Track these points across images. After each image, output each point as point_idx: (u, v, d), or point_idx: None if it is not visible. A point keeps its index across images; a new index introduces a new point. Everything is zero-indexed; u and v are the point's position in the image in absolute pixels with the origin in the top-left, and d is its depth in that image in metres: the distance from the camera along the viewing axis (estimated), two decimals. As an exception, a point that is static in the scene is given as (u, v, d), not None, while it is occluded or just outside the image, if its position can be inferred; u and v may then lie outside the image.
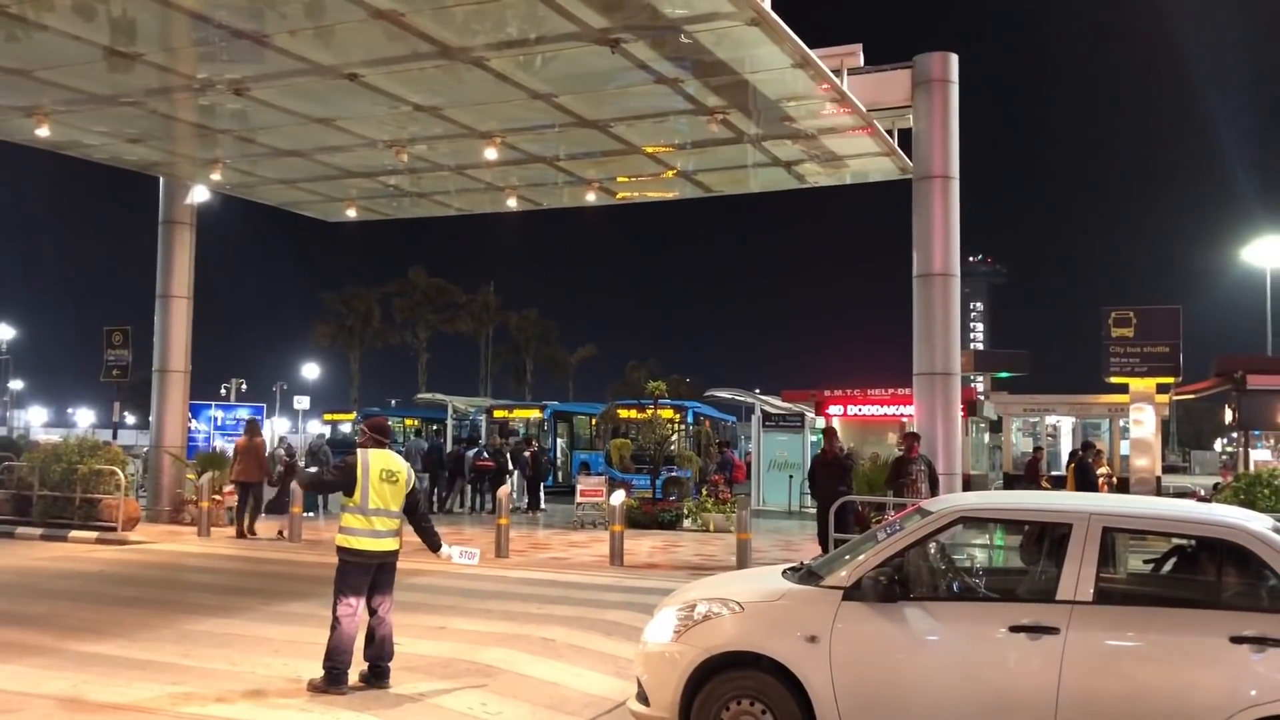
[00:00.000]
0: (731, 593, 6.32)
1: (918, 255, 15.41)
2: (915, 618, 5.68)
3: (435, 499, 23.89)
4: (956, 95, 15.45)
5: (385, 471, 7.44)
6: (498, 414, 37.44)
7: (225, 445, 22.50)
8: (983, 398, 28.63)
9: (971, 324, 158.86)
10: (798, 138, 16.05)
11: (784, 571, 6.55)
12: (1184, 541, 6.05)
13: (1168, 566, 6.29)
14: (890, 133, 16.16)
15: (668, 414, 30.96)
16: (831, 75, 13.69)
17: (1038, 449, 23.37)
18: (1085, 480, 18.92)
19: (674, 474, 24.09)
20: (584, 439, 36.41)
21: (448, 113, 15.16)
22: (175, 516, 18.99)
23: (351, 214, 21.86)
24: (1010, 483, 22.67)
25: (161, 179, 20.04)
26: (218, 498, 18.09)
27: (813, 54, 12.89)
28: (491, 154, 16.51)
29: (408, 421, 44.16)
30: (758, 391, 29.53)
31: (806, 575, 6.26)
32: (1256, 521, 5.74)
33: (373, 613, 7.44)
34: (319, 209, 22.06)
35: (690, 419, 32.47)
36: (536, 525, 20.83)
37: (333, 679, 7.22)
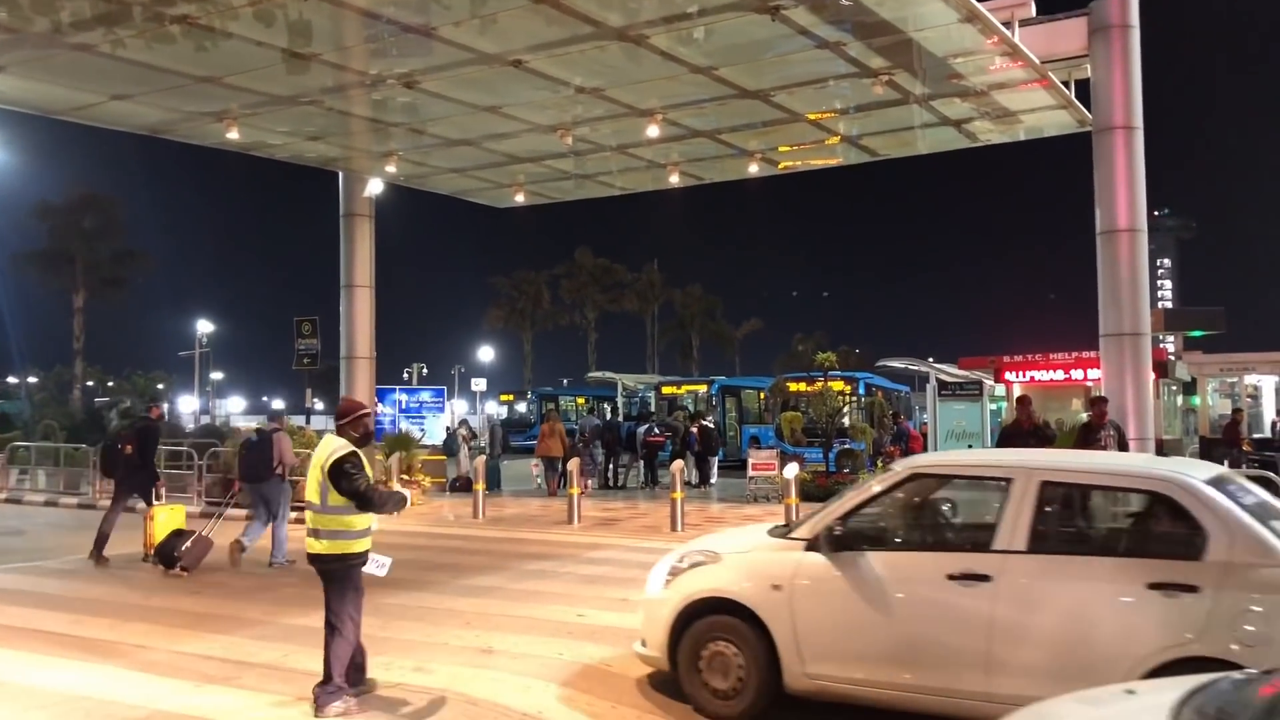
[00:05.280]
0: (716, 545, 7.08)
1: (1100, 211, 14.74)
2: (865, 566, 6.11)
3: (611, 474, 24.41)
4: (1138, 40, 14.67)
5: None
6: (666, 390, 37.75)
7: (410, 428, 23.42)
8: (1174, 358, 27.14)
9: (1159, 281, 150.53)
10: (967, 95, 15.53)
11: (771, 528, 7.05)
12: (1122, 493, 6.27)
13: (1104, 517, 6.45)
14: (1066, 84, 15.47)
15: (838, 386, 30.54)
16: (1001, 28, 13.18)
17: (1237, 410, 22.03)
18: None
19: (847, 446, 23.78)
20: (752, 413, 36.32)
21: (609, 93, 15.29)
22: (366, 496, 19.86)
23: (520, 199, 22.33)
24: (1208, 447, 21.41)
25: (340, 174, 20.93)
26: (406, 478, 18.85)
27: (981, 7, 12.45)
28: (653, 131, 16.58)
29: (579, 400, 45.01)
30: (931, 360, 28.81)
31: (783, 529, 6.80)
32: (1197, 473, 5.84)
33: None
34: (489, 195, 22.63)
35: (862, 390, 31.98)
36: (709, 500, 20.91)
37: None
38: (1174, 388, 24.83)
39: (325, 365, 25.21)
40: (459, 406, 57.89)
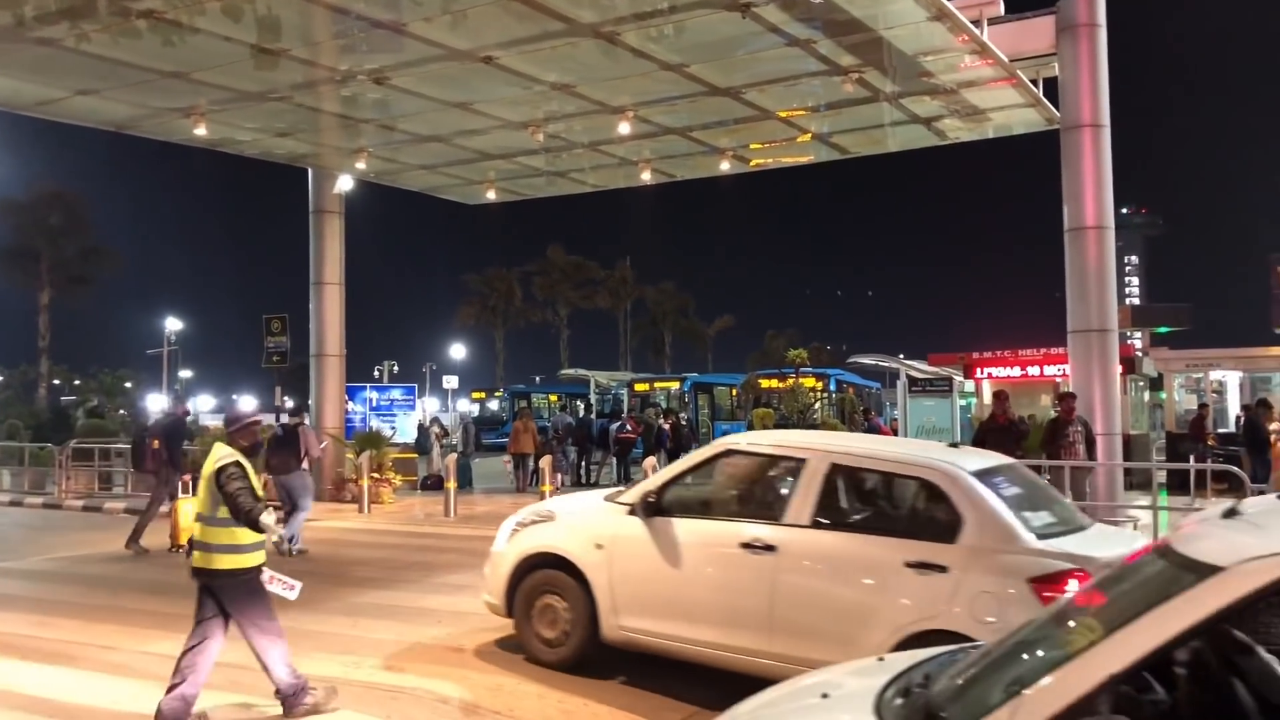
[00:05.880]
0: (555, 506, 7.92)
1: (1068, 208, 14.83)
2: (672, 531, 6.80)
3: (584, 471, 24.45)
4: (1104, 39, 14.74)
5: None
6: (638, 387, 37.79)
7: (381, 425, 23.31)
8: (1141, 354, 27.43)
9: (1126, 278, 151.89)
10: (937, 93, 15.59)
11: (606, 494, 7.72)
12: (898, 478, 6.67)
13: (882, 499, 6.88)
14: (1035, 82, 15.55)
15: (810, 382, 30.73)
16: (970, 26, 13.25)
17: (1203, 406, 22.26)
18: (1255, 436, 17.99)
19: (819, 442, 23.79)
20: (724, 410, 36.41)
21: (580, 90, 15.25)
22: (336, 495, 19.75)
23: (491, 196, 22.25)
24: (1174, 442, 21.63)
25: (310, 170, 20.76)
26: (376, 476, 18.75)
27: (950, 5, 12.49)
28: (624, 128, 16.55)
29: (551, 398, 44.97)
30: (902, 356, 28.98)
31: (616, 494, 7.48)
32: (968, 464, 6.35)
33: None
34: (460, 192, 22.52)
35: (833, 386, 32.16)
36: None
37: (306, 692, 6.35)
38: (1141, 383, 25.10)
39: (295, 363, 25.02)
40: (431, 404, 57.61)
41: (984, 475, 6.24)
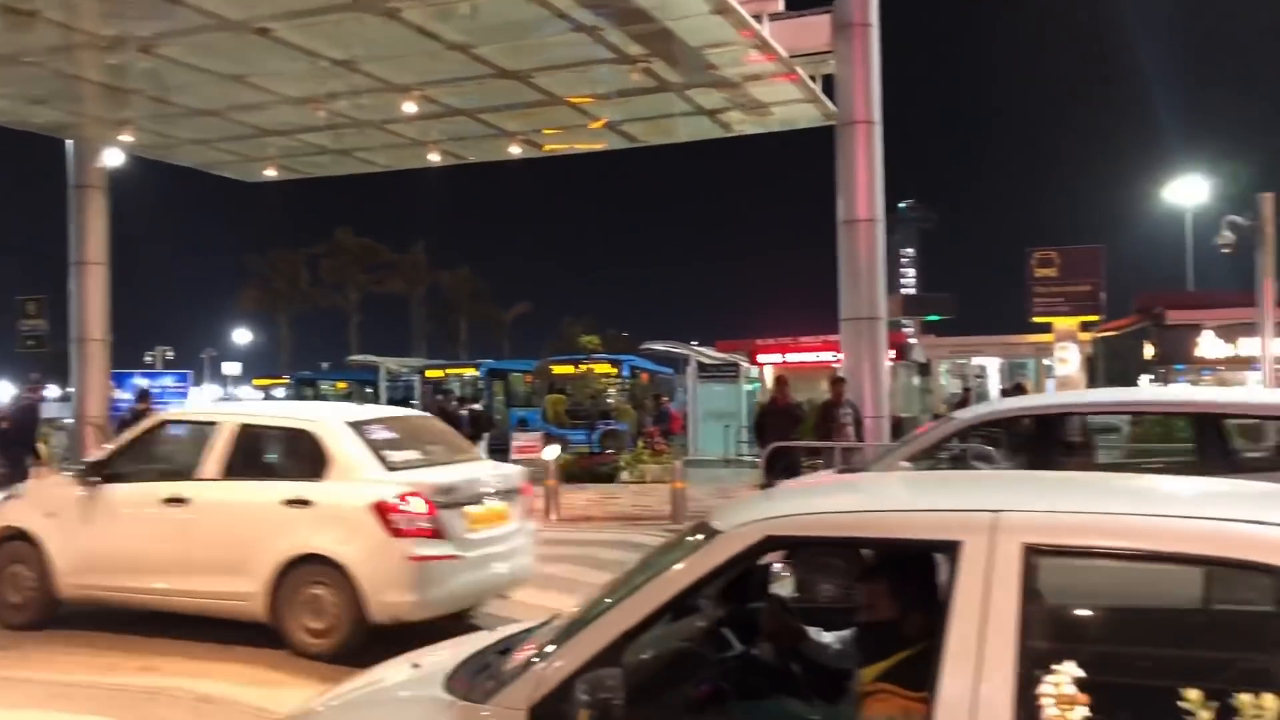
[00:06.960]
0: (27, 486, 9.22)
1: (842, 201, 15.41)
2: (112, 496, 7.75)
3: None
4: (877, 39, 15.35)
5: None
6: (431, 374, 37.21)
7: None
8: (913, 341, 28.98)
9: (903, 269, 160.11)
10: (721, 86, 15.96)
11: (68, 468, 8.87)
12: (287, 432, 7.87)
13: (276, 451, 7.99)
14: (814, 79, 16.11)
15: (603, 368, 31.03)
16: (752, 21, 13.62)
17: (966, 389, 23.80)
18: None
19: (611, 427, 24.13)
20: (521, 396, 36.24)
21: (365, 67, 14.85)
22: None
23: (271, 173, 21.35)
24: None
25: (70, 142, 19.36)
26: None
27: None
28: (411, 108, 16.23)
29: (339, 385, 43.70)
30: (694, 344, 29.60)
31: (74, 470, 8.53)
32: (344, 415, 7.79)
33: None
34: (238, 169, 21.48)
35: (626, 373, 32.53)
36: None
37: None
38: (911, 369, 26.58)
39: (56, 348, 23.36)
40: (210, 391, 54.94)
41: (360, 424, 7.55)
